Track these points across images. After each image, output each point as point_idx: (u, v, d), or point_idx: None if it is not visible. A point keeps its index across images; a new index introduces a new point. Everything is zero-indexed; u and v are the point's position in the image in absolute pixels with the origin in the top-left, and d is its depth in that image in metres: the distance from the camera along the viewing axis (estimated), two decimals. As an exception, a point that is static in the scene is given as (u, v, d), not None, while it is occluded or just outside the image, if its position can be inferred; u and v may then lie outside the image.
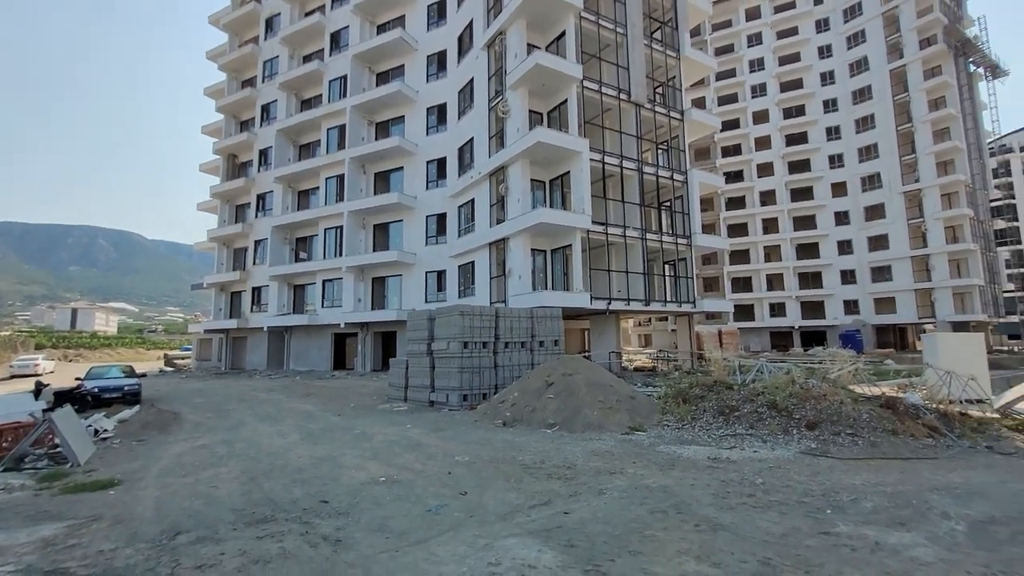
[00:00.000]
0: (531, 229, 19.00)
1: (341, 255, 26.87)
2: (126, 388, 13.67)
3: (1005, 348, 41.28)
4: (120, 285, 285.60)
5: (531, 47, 20.69)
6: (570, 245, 19.42)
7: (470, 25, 23.90)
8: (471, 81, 23.52)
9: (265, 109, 32.79)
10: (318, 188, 29.16)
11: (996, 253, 46.22)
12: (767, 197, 51.02)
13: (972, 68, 45.30)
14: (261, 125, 32.70)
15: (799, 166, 49.95)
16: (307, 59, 31.33)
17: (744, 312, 50.38)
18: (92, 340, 61.92)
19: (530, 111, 20.94)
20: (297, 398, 15.65)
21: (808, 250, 49.03)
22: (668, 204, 23.58)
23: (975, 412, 7.55)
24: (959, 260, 41.07)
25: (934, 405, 7.45)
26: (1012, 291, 52.75)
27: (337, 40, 29.80)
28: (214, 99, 35.92)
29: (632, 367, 24.42)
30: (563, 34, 20.57)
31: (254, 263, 31.67)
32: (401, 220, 26.64)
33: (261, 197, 32.08)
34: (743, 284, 51.52)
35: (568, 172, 20.15)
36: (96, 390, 13.13)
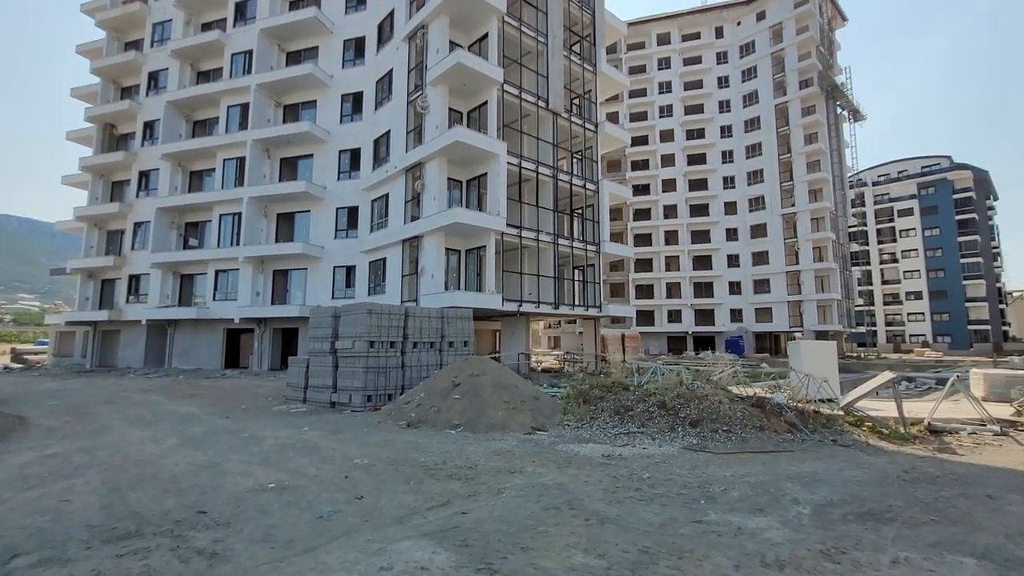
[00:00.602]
0: (446, 228, 18.87)
1: (239, 244, 24.83)
2: (-44, 388, 11.56)
3: (854, 355, 47.97)
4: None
5: (453, 45, 20.58)
6: (484, 246, 19.54)
7: (391, 14, 23.25)
8: (390, 72, 22.88)
9: (153, 77, 29.38)
10: (214, 170, 26.70)
11: (851, 272, 53.55)
12: (670, 211, 54.96)
13: (839, 110, 52.18)
14: (148, 94, 29.24)
15: (698, 184, 54.41)
16: (206, 27, 28.58)
17: (646, 317, 53.85)
18: (-87, 330, 51.58)
19: (450, 109, 20.80)
20: (178, 399, 14.21)
21: (703, 262, 53.54)
22: (580, 211, 24.56)
23: (826, 410, 8.70)
24: (823, 277, 47.08)
25: (794, 404, 8.47)
26: (861, 305, 61.48)
27: (243, 11, 27.53)
28: (89, 59, 31.50)
29: (540, 368, 25.12)
30: (486, 36, 20.69)
31: (132, 248, 28.20)
32: (309, 211, 25.21)
33: (144, 175, 28.67)
34: (646, 291, 55.06)
35: (486, 173, 20.27)
36: (-87, 390, 10.96)
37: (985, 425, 8.73)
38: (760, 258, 50.57)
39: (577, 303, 23.60)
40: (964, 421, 9.07)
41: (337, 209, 24.61)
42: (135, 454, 7.39)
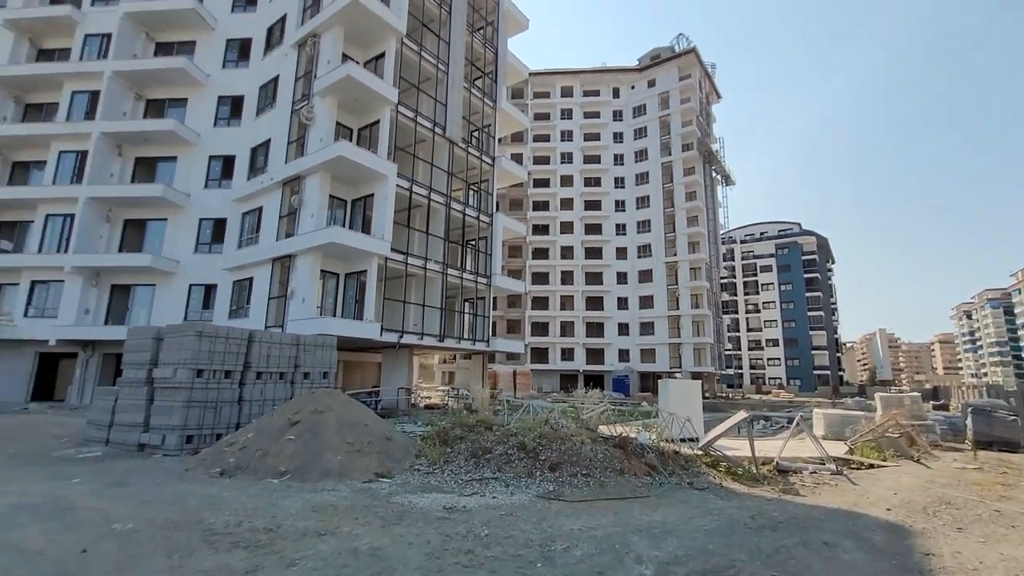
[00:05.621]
0: (323, 248, 17.30)
1: (67, 251, 20.85)
2: None
3: (723, 395, 52.04)
4: None
5: (347, 58, 19.57)
6: (366, 271, 18.15)
7: (283, 19, 21.74)
8: (276, 79, 21.18)
9: (-23, 47, 24.61)
10: (45, 162, 22.52)
11: (722, 319, 58.92)
12: (567, 252, 57.00)
13: (714, 174, 58.46)
14: (-34, 66, 24.34)
15: (593, 228, 57.28)
16: (56, 2, 24.73)
17: (540, 355, 54.41)
18: None
19: (339, 124, 19.55)
20: (-73, 441, 10.86)
21: (595, 303, 55.76)
22: (473, 243, 24.11)
23: (686, 450, 8.55)
24: (699, 322, 51.07)
25: (656, 445, 8.22)
26: (730, 350, 67.79)
27: (105, -10, 24.28)
28: None
29: (423, 404, 23.63)
30: (383, 55, 19.96)
31: (-83, 247, 22.60)
32: (165, 219, 22.03)
33: (-53, 159, 23.46)
34: (542, 328, 55.86)
35: (373, 194, 19.11)
36: None
37: (824, 464, 9.13)
38: (646, 302, 53.82)
39: (465, 337, 22.77)
40: (807, 460, 9.45)
41: (201, 220, 21.78)
42: None
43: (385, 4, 19.73)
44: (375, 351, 22.08)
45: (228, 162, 22.13)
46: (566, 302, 56.07)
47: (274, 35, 22.24)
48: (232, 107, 22.72)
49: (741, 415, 9.22)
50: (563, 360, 54.46)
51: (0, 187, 22.37)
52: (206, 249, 21.52)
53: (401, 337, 18.83)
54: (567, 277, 56.44)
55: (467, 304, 23.59)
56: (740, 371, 77.84)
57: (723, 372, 56.37)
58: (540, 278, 56.59)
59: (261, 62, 22.38)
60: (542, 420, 8.44)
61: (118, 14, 23.00)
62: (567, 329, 55.28)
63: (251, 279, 19.75)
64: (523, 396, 35.13)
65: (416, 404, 22.50)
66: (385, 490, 6.72)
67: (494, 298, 25.22)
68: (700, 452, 8.64)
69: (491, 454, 7.61)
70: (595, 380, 52.51)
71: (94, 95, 22.63)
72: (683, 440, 9.57)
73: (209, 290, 21.12)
